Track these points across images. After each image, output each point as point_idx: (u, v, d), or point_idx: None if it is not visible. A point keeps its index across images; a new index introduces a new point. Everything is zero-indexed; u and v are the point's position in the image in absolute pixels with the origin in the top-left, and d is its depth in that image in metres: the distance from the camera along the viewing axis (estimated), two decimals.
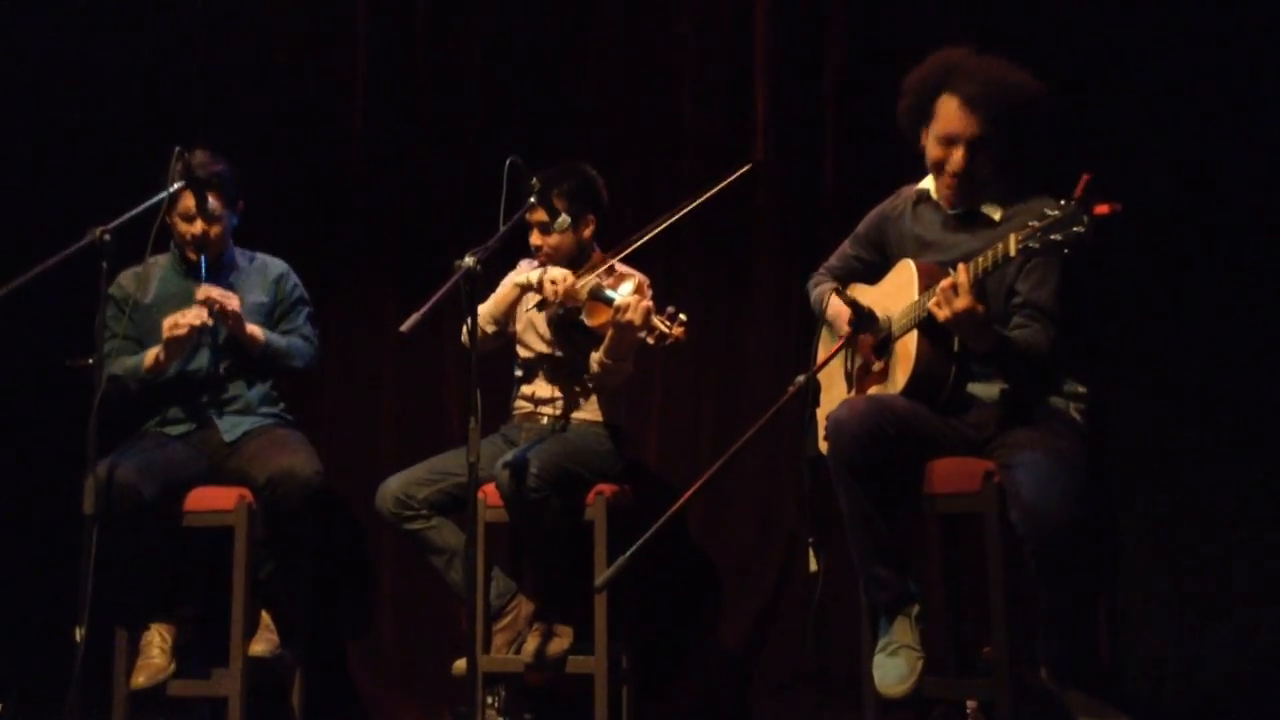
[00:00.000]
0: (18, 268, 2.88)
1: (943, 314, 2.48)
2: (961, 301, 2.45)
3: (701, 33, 3.77)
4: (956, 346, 2.62)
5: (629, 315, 2.98)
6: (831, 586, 2.68)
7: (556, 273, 3.16)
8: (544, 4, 3.88)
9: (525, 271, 3.33)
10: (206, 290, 3.18)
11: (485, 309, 3.25)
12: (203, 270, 3.28)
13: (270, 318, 3.36)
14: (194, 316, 3.13)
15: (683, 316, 2.97)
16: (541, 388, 3.33)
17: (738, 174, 3.11)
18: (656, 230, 3.16)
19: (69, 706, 2.70)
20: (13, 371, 3.41)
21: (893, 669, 2.60)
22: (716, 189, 3.09)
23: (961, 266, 2.47)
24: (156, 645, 3.10)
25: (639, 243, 3.19)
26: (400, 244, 3.89)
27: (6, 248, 3.50)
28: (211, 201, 3.23)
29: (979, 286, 2.48)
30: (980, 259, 2.46)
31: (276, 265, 3.46)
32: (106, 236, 2.79)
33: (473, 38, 3.90)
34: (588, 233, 3.33)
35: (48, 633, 3.11)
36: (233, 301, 3.20)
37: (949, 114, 2.61)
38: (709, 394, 3.70)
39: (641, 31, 3.82)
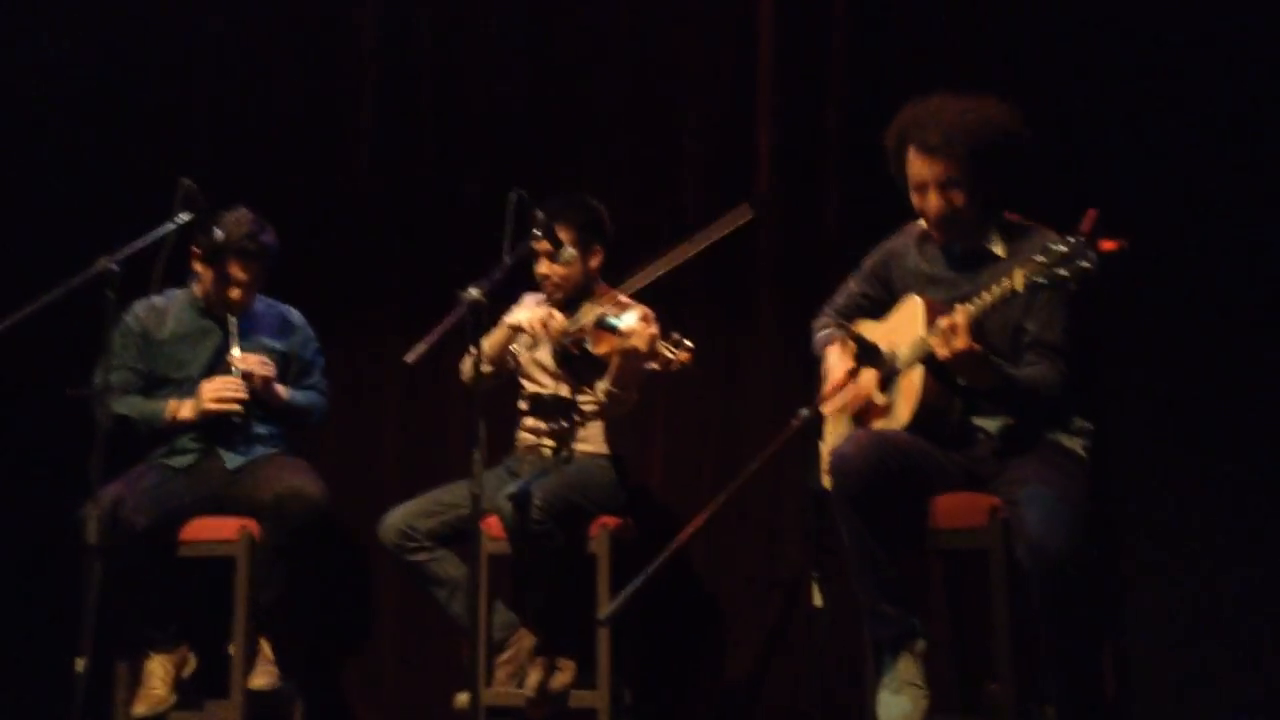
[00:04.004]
0: (22, 296, 2.90)
1: (941, 353, 2.49)
2: (959, 341, 2.46)
3: (703, 64, 3.79)
4: (960, 380, 2.62)
5: (635, 342, 2.98)
6: (835, 622, 2.66)
7: (541, 312, 3.18)
8: (546, 36, 3.90)
9: (526, 307, 3.34)
10: (245, 362, 3.22)
11: (485, 348, 3.26)
12: (233, 330, 3.29)
13: (283, 365, 3.38)
14: (236, 391, 3.18)
15: (688, 342, 2.96)
16: (543, 419, 3.33)
17: (736, 223, 3.09)
18: (659, 272, 3.15)
19: None
20: (15, 401, 3.40)
21: (897, 706, 2.58)
22: (713, 237, 3.07)
23: (960, 307, 2.48)
24: (158, 676, 3.09)
25: (644, 283, 3.17)
26: (402, 272, 3.90)
27: (11, 276, 3.53)
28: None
29: (979, 325, 2.49)
30: (984, 295, 2.47)
31: (294, 316, 3.49)
32: (113, 267, 2.80)
33: (477, 68, 3.92)
34: (594, 264, 3.33)
35: (48, 663, 3.09)
36: (269, 369, 3.25)
37: (913, 164, 2.67)
38: (712, 426, 3.70)
39: (644, 63, 3.84)
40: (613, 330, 3.05)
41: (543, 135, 3.87)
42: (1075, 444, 2.66)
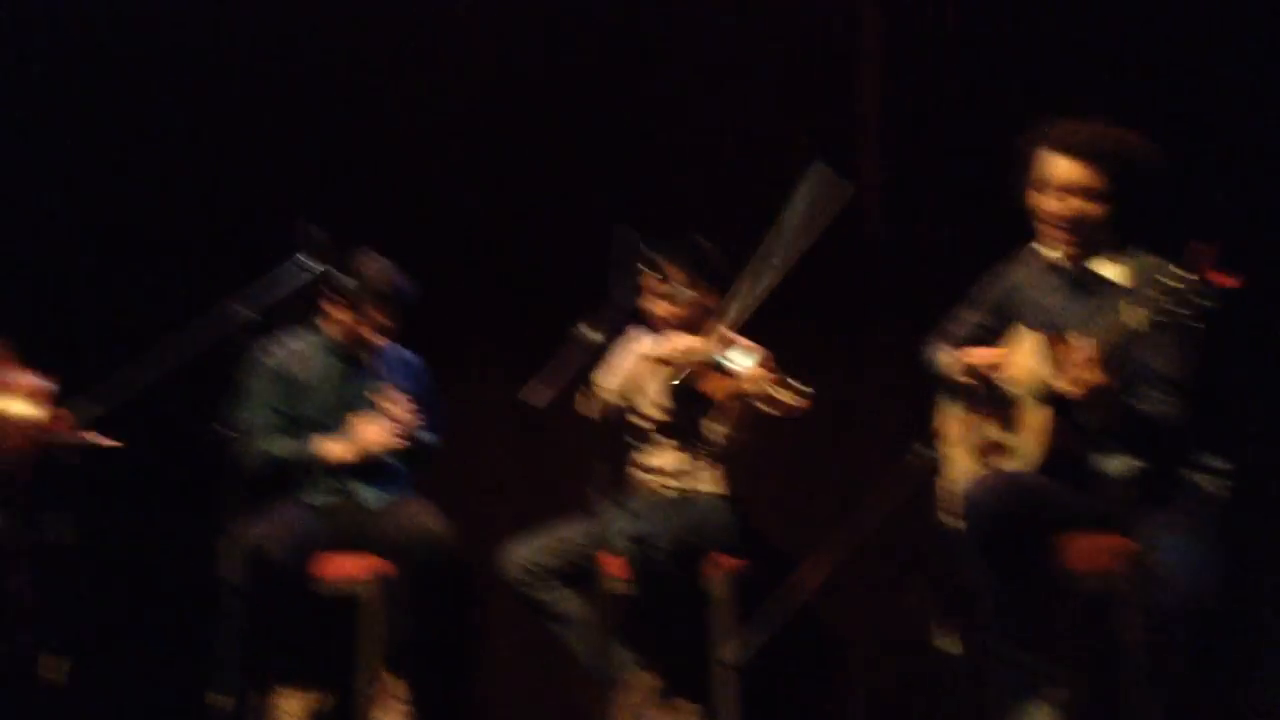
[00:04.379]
0: (143, 334, 3.03)
1: (1073, 390, 2.44)
2: (1092, 377, 2.41)
3: (806, 93, 3.77)
4: (1086, 420, 2.55)
5: (751, 386, 2.98)
6: (966, 666, 2.60)
7: (683, 342, 3.17)
8: (645, 66, 3.92)
9: (642, 341, 3.37)
10: (393, 407, 3.30)
11: (615, 384, 3.29)
12: (374, 373, 3.39)
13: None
14: (390, 436, 3.28)
15: (806, 388, 2.95)
16: (659, 457, 3.34)
17: (840, 203, 3.05)
18: (768, 289, 3.12)
19: None
20: (158, 440, 3.54)
21: None
22: (819, 225, 3.03)
23: (1091, 342, 2.43)
24: (291, 712, 3.16)
25: (750, 306, 3.16)
26: (510, 308, 3.94)
27: (151, 317, 3.69)
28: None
29: (1107, 360, 2.43)
30: (1110, 332, 2.42)
31: (413, 358, 3.57)
32: (247, 312, 2.90)
33: (578, 101, 3.95)
34: (706, 302, 3.35)
35: (188, 696, 3.19)
36: (413, 415, 3.33)
37: (1059, 166, 2.62)
38: (823, 464, 3.66)
39: (746, 92, 3.82)
40: (727, 372, 3.05)
41: (644, 167, 3.89)
42: (1214, 485, 2.57)
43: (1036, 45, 3.56)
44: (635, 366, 3.29)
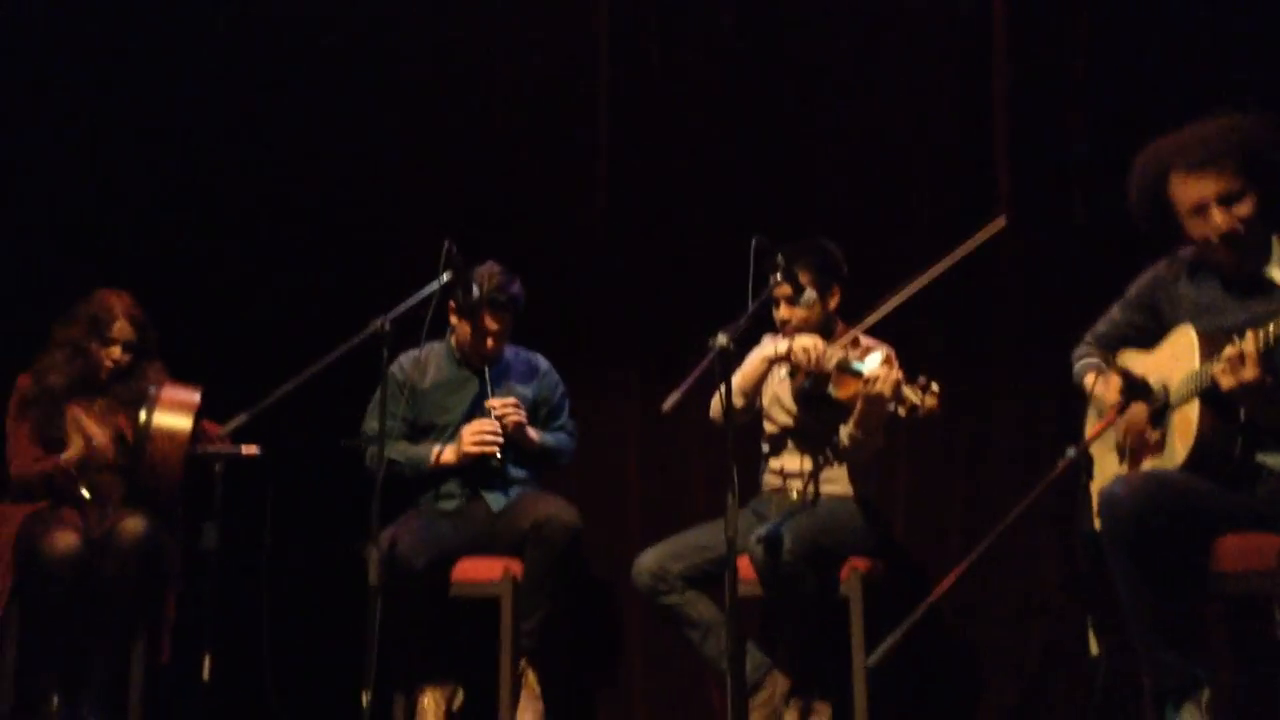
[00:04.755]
0: (292, 354, 3.14)
1: (1228, 382, 2.36)
2: (1249, 372, 2.34)
3: (936, 94, 3.76)
4: (1244, 415, 2.48)
5: (879, 387, 2.96)
6: (1113, 670, 2.55)
7: (807, 340, 3.17)
8: (774, 74, 3.94)
9: (771, 345, 3.37)
10: (501, 407, 3.39)
11: (735, 383, 3.29)
12: (487, 378, 3.47)
13: (534, 411, 3.53)
14: (493, 435, 3.35)
15: (935, 386, 2.92)
16: (789, 461, 3.34)
17: (989, 232, 3.03)
18: (903, 297, 3.12)
19: None
20: (303, 452, 3.66)
21: None
22: (966, 248, 3.03)
23: (1250, 334, 2.35)
24: (431, 709, 3.25)
25: (884, 311, 3.16)
26: (641, 316, 4.00)
27: (285, 335, 3.82)
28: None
29: (1269, 354, 2.35)
30: (1272, 326, 2.33)
31: (539, 361, 3.64)
32: (387, 326, 3.00)
33: (706, 110, 4.00)
34: (833, 304, 3.33)
35: (336, 695, 3.29)
36: (520, 414, 3.41)
37: (1182, 187, 2.54)
38: (957, 466, 3.62)
39: (874, 96, 3.83)
40: (855, 374, 3.03)
41: (775, 173, 3.90)
42: None
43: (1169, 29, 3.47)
44: (758, 369, 3.29)
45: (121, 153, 4.28)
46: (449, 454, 3.41)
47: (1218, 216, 2.52)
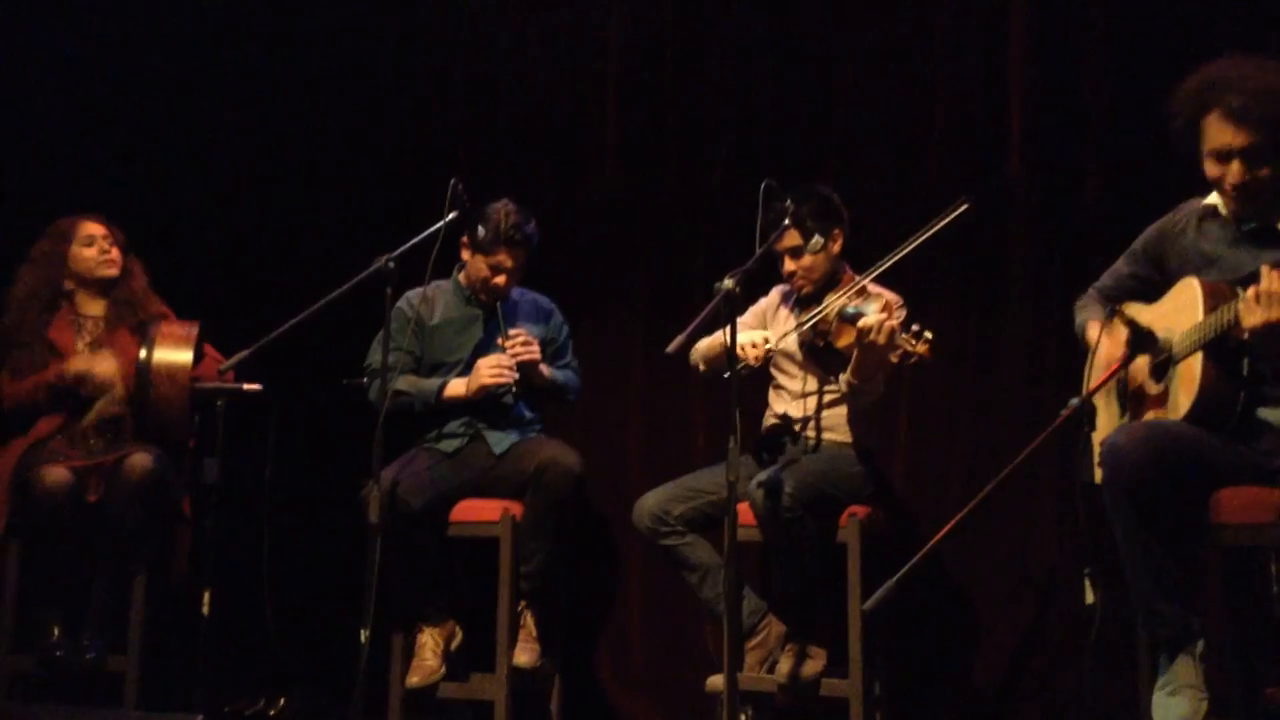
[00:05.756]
0: (303, 291, 3.13)
1: (1250, 321, 2.36)
2: (1276, 310, 2.33)
3: (954, 47, 3.71)
4: (1246, 369, 2.48)
5: (874, 336, 2.96)
6: (1108, 619, 2.57)
7: (757, 336, 3.20)
8: (793, 20, 3.90)
9: (775, 299, 3.39)
10: (518, 344, 3.36)
11: (702, 345, 3.32)
12: (500, 315, 3.45)
13: (542, 350, 3.50)
14: (509, 371, 3.33)
15: (928, 335, 2.92)
16: (793, 408, 3.34)
17: (954, 213, 3.06)
18: (896, 258, 3.13)
19: (354, 703, 2.88)
20: (304, 390, 3.66)
21: (1174, 709, 2.46)
22: (934, 228, 3.05)
23: (1274, 272, 2.34)
24: (429, 648, 3.28)
25: (884, 267, 3.16)
26: (645, 261, 3.98)
27: (295, 274, 3.81)
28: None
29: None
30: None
31: (545, 301, 3.63)
32: (391, 264, 2.99)
33: (721, 55, 3.96)
34: (836, 248, 3.33)
35: (336, 632, 3.32)
36: (535, 351, 3.39)
37: (1216, 129, 2.52)
38: (960, 416, 3.62)
39: (892, 46, 3.79)
40: (853, 322, 3.03)
41: (787, 119, 3.87)
42: None
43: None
44: (716, 351, 3.29)
45: (123, 92, 4.25)
46: (459, 387, 3.38)
47: (1235, 168, 2.52)
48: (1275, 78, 2.49)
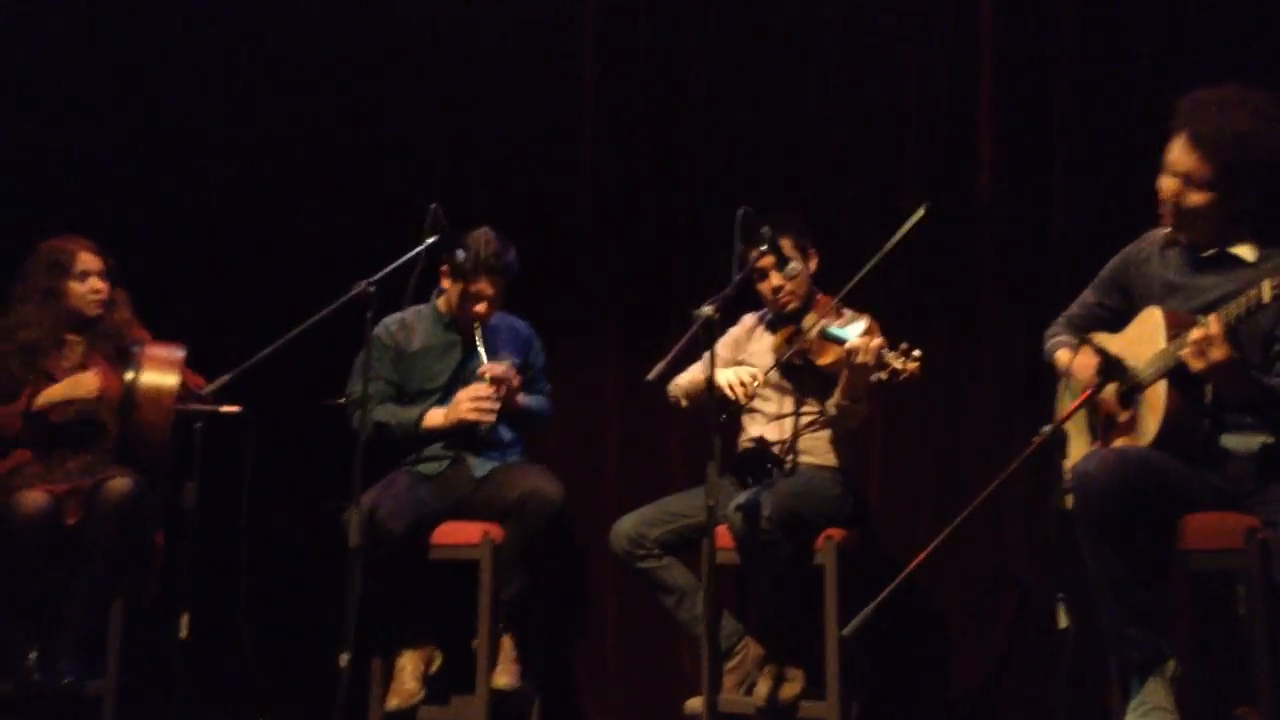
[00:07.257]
0: (283, 317, 3.14)
1: (1196, 365, 2.41)
2: (1217, 352, 2.39)
3: (924, 71, 3.77)
4: (1209, 396, 2.53)
5: (862, 357, 3.00)
6: (1080, 643, 2.61)
7: (745, 374, 3.22)
8: (765, 44, 3.94)
9: (750, 323, 3.44)
10: (493, 371, 3.38)
11: (683, 380, 3.35)
12: (479, 341, 3.45)
13: (520, 373, 3.52)
14: (490, 405, 3.34)
15: (916, 352, 2.96)
16: (769, 430, 3.37)
17: (914, 219, 3.08)
18: (865, 270, 3.14)
19: None
20: (284, 414, 3.66)
21: None
22: (896, 238, 3.08)
23: (1213, 317, 2.41)
24: (408, 671, 3.28)
25: (854, 281, 3.18)
26: (621, 287, 4.01)
27: (274, 298, 3.81)
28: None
29: (1233, 334, 2.41)
30: (1232, 306, 2.40)
31: (523, 326, 3.65)
32: (371, 288, 3.00)
33: (694, 81, 3.99)
34: (813, 268, 3.38)
35: (314, 656, 3.31)
36: (515, 380, 3.42)
37: (1178, 146, 2.59)
38: (932, 440, 3.67)
39: (859, 63, 3.84)
40: (838, 341, 3.06)
41: (759, 144, 3.91)
42: None
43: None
44: (699, 384, 3.28)
45: (103, 113, 4.25)
46: (438, 417, 3.41)
47: (1168, 184, 2.59)
48: (1254, 122, 2.53)
